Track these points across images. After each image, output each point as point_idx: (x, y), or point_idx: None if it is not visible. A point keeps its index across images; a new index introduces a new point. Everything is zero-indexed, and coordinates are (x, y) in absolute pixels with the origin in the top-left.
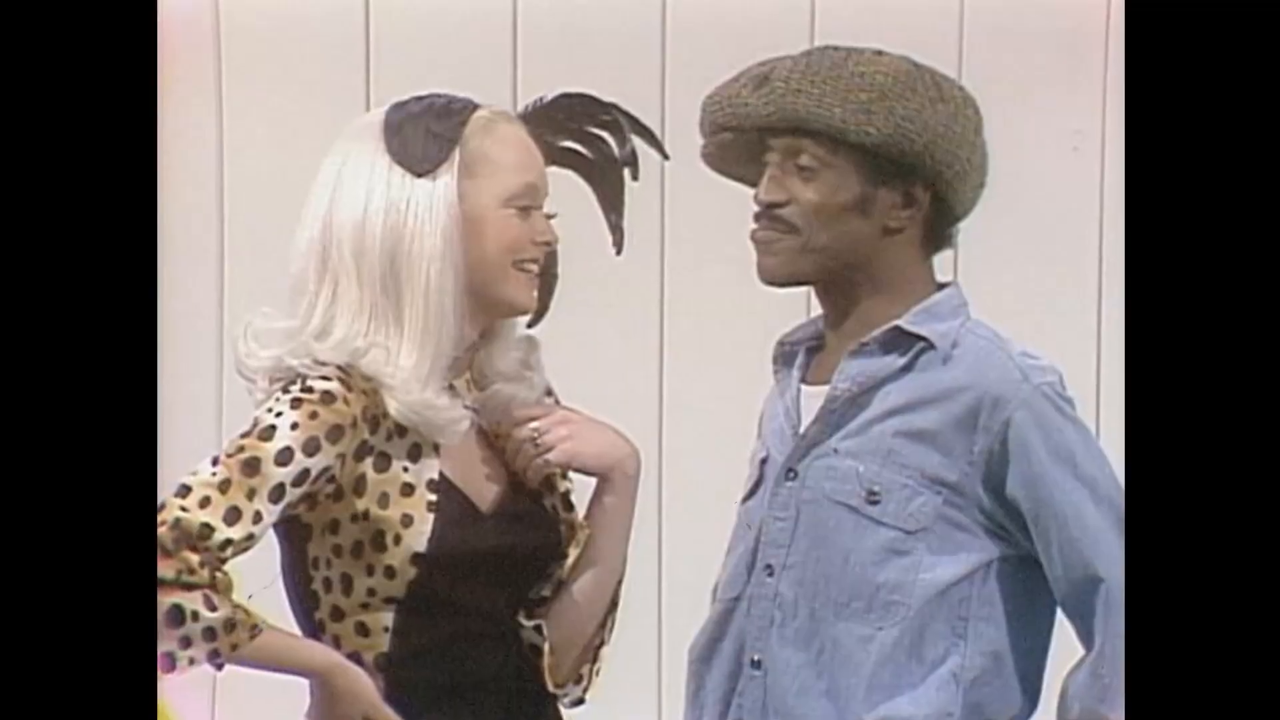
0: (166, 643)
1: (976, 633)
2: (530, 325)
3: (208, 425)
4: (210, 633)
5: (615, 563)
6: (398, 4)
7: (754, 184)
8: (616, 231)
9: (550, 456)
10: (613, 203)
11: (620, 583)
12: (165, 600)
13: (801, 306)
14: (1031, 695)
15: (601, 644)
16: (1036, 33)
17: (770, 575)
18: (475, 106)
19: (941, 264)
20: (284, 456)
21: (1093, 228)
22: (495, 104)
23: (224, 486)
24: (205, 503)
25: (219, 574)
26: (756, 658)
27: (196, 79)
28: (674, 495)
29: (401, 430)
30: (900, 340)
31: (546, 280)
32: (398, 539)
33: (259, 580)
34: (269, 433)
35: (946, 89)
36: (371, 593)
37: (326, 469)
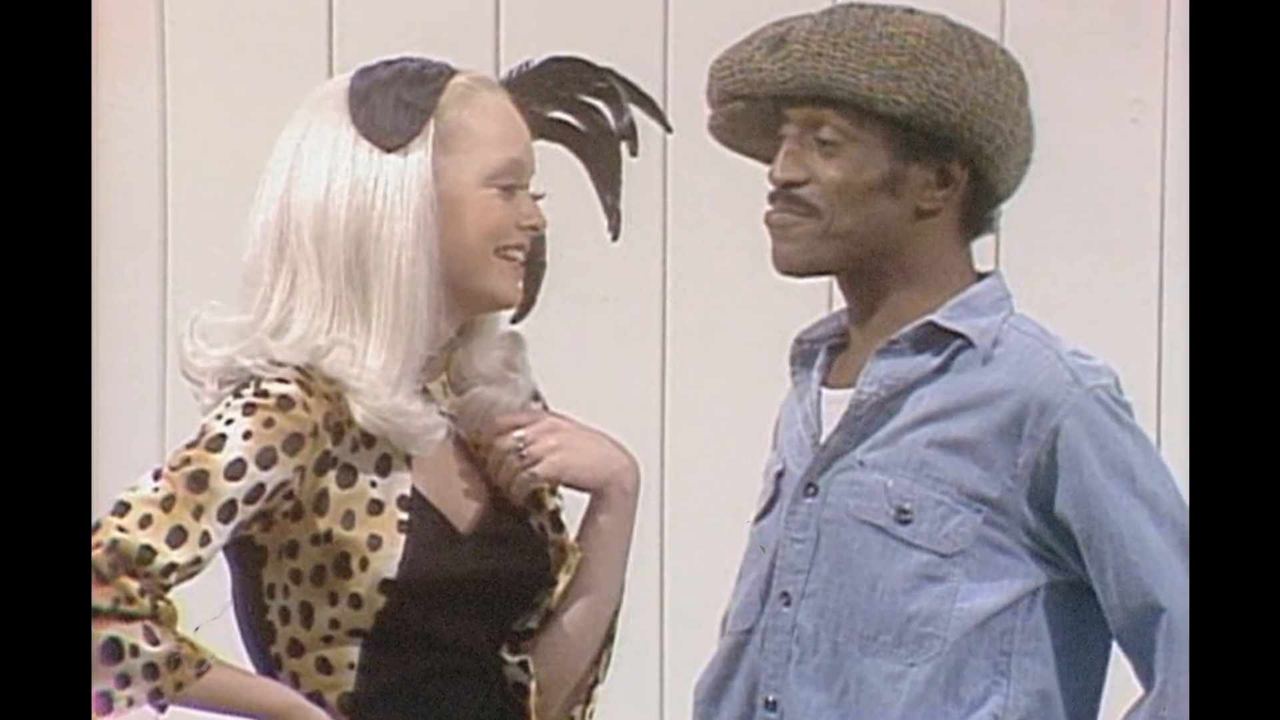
0: (102, 681)
1: (1021, 669)
2: (515, 320)
3: (149, 434)
4: (151, 669)
5: (611, 590)
6: None
7: (768, 160)
8: (613, 214)
9: (537, 469)
10: (608, 181)
11: (617, 613)
12: (101, 633)
13: (822, 299)
14: None
15: (595, 682)
16: None
17: (787, 604)
18: (452, 72)
19: (981, 251)
20: (235, 470)
21: (1153, 210)
22: (475, 70)
23: (167, 504)
24: (146, 522)
25: (161, 603)
26: (771, 698)
27: (136, 40)
28: (678, 514)
29: (369, 440)
30: (934, 338)
31: (533, 269)
32: (364, 563)
33: (207, 610)
34: (218, 443)
35: (987, 52)
36: (335, 624)
37: (284, 484)
